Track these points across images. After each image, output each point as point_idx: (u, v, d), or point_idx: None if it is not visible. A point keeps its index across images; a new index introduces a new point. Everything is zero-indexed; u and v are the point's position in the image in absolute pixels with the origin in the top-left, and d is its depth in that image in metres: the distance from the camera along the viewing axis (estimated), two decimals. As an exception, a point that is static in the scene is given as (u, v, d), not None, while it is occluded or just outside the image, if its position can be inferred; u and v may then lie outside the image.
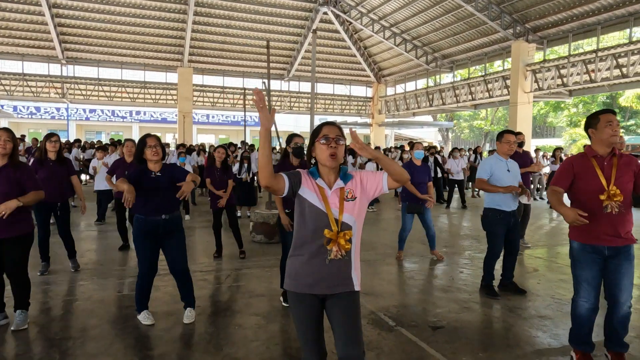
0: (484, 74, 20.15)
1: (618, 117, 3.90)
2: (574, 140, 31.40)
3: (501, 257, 5.02)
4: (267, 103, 2.28)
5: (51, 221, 5.58)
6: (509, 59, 18.13)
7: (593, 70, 15.17)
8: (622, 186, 3.05)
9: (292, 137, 4.46)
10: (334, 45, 24.04)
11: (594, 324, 3.25)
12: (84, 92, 22.39)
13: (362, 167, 12.55)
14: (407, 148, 14.26)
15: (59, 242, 5.73)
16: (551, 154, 14.20)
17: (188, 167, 11.04)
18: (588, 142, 3.36)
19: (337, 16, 21.94)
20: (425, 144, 12.94)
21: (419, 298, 4.82)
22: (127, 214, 7.13)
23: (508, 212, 4.75)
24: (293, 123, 30.52)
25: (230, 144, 14.67)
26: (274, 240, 7.41)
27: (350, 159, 12.49)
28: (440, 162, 13.78)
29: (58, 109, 28.06)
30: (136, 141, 4.61)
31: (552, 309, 4.49)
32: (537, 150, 14.56)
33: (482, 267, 5.03)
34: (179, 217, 4.04)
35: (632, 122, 32.69)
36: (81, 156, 14.23)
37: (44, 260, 5.47)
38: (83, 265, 5.80)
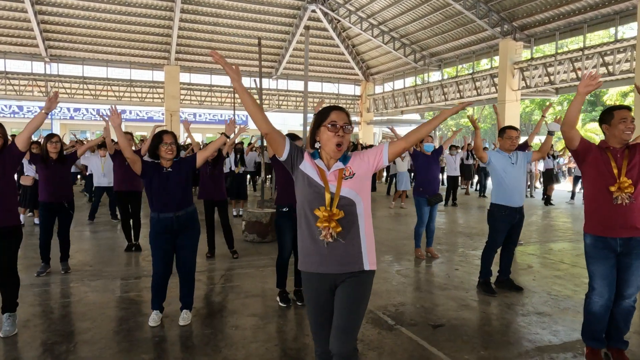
0: (472, 72, 20.26)
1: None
2: (558, 137, 31.76)
3: (498, 253, 5.03)
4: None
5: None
6: (497, 57, 18.24)
7: (579, 68, 15.32)
8: (633, 178, 3.05)
9: (293, 138, 4.39)
10: (323, 43, 23.95)
11: (607, 320, 3.24)
12: (68, 91, 21.97)
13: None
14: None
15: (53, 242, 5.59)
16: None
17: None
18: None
19: (325, 14, 21.86)
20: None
21: (416, 296, 4.80)
22: (121, 210, 6.89)
23: (514, 208, 4.73)
24: (281, 122, 30.39)
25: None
26: (266, 239, 7.34)
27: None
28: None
29: (41, 108, 27.52)
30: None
31: (550, 306, 4.49)
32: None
33: (477, 264, 5.03)
34: (194, 212, 3.95)
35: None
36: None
37: (44, 262, 5.37)
38: (72, 266, 5.66)
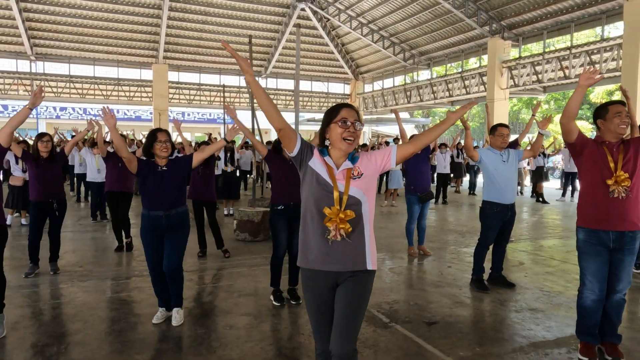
0: (460, 70, 20.36)
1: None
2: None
3: (490, 250, 5.06)
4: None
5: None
6: (485, 56, 18.36)
7: (567, 67, 15.49)
8: (628, 171, 3.08)
9: None
10: (312, 42, 23.92)
11: (600, 315, 3.27)
12: (54, 90, 21.69)
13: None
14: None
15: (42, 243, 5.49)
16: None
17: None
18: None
19: (314, 12, 21.82)
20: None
21: (410, 294, 4.80)
22: (111, 210, 6.82)
23: (505, 205, 4.76)
24: (271, 120, 30.31)
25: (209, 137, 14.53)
26: (258, 238, 7.30)
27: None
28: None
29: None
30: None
31: (542, 302, 4.52)
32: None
33: (469, 262, 5.06)
34: (185, 212, 3.93)
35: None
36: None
37: (33, 262, 5.29)
38: (62, 267, 5.57)
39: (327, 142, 2.25)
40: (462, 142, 16.20)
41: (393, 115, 27.37)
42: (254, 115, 8.90)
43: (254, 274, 5.47)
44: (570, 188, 13.56)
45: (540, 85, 16.93)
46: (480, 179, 6.15)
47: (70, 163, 11.33)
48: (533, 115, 6.82)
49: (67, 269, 5.56)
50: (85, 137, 9.48)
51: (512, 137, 7.65)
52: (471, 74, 19.48)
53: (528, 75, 16.79)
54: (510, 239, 7.33)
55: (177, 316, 3.91)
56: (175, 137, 8.28)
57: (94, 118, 5.84)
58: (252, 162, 13.53)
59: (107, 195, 6.71)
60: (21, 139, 9.84)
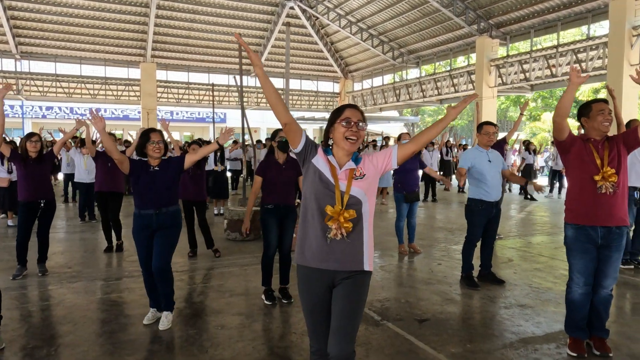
0: (449, 69, 20.48)
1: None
2: (534, 133, 32.38)
3: (478, 248, 5.11)
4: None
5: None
6: (474, 55, 18.49)
7: (554, 65, 15.65)
8: (614, 168, 3.13)
9: (277, 132, 4.37)
10: (301, 40, 23.90)
11: (587, 309, 3.33)
12: (40, 89, 21.43)
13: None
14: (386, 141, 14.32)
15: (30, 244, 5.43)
16: (524, 146, 14.62)
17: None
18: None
19: (303, 11, 21.80)
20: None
21: (401, 291, 4.82)
22: (101, 210, 6.75)
23: (490, 202, 4.81)
24: (260, 119, 30.21)
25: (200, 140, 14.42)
26: (249, 237, 7.28)
27: (368, 150, 12.45)
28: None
29: (12, 107, 26.72)
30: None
31: (532, 298, 4.58)
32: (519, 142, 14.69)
33: (458, 259, 5.10)
34: (176, 211, 3.90)
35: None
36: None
37: (21, 264, 5.22)
38: (50, 268, 5.51)
39: (330, 142, 2.26)
40: (451, 139, 16.32)
41: (382, 113, 27.50)
42: (243, 114, 8.87)
43: (244, 273, 5.46)
44: (557, 185, 13.74)
45: (527, 83, 17.09)
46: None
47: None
48: (521, 113, 6.90)
49: (56, 271, 5.51)
50: (76, 136, 9.38)
51: (501, 135, 7.73)
52: (459, 72, 19.61)
53: (516, 73, 16.95)
54: (499, 236, 7.45)
55: (165, 320, 3.85)
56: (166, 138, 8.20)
57: (81, 118, 5.79)
58: (243, 160, 13.49)
59: (97, 195, 6.64)
60: (8, 139, 9.71)
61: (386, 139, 14.52)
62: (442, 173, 15.98)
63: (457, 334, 3.71)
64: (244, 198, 8.82)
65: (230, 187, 13.29)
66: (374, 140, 15.64)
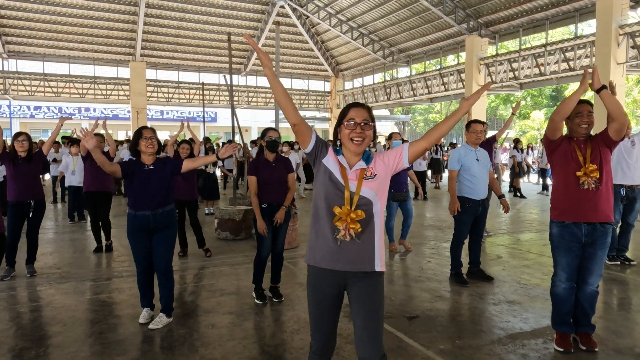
0: (439, 68, 20.58)
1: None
2: (523, 132, 32.66)
3: (467, 245, 5.15)
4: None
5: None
6: (463, 54, 18.59)
7: (542, 64, 15.79)
8: (597, 164, 3.18)
9: (266, 131, 4.36)
10: (292, 39, 23.87)
11: (572, 304, 3.38)
12: (28, 88, 21.19)
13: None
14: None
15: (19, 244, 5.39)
16: (512, 144, 14.78)
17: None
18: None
19: (294, 10, 21.77)
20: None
21: (391, 289, 4.85)
22: (90, 210, 6.71)
23: (477, 200, 4.87)
24: (251, 118, 30.17)
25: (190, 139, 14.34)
26: (240, 236, 7.28)
27: (380, 147, 12.41)
28: None
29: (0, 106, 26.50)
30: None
31: (520, 294, 4.63)
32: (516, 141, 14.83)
33: (448, 256, 5.15)
34: (172, 211, 3.92)
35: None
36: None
37: (9, 265, 5.18)
38: (39, 269, 5.47)
39: (338, 143, 2.25)
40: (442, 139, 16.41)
41: (374, 113, 27.65)
42: (233, 113, 8.86)
43: (235, 272, 5.46)
44: (542, 182, 14.05)
45: (516, 81, 17.22)
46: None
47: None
48: (513, 113, 6.96)
49: (45, 271, 5.47)
50: (66, 135, 9.30)
51: (491, 133, 7.78)
52: (449, 71, 19.70)
53: (505, 72, 17.07)
54: (489, 234, 7.52)
55: (158, 320, 3.85)
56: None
57: (70, 116, 5.75)
58: (234, 160, 13.46)
59: (86, 195, 6.60)
60: None
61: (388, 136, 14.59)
62: (432, 171, 16.09)
63: (446, 331, 3.75)
64: (235, 197, 8.81)
65: (222, 187, 13.29)
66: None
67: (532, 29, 16.56)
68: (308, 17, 22.30)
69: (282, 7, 21.19)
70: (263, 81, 25.30)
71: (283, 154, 10.59)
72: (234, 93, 24.51)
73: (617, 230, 5.81)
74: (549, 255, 5.98)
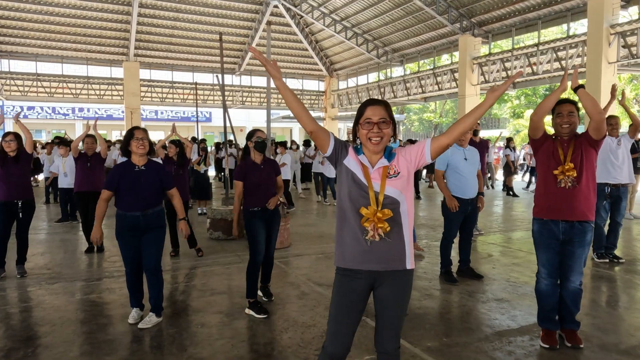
0: (433, 67, 20.64)
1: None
2: (517, 131, 32.77)
3: (457, 244, 5.19)
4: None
5: None
6: (457, 53, 18.65)
7: (535, 63, 15.87)
8: (576, 164, 3.22)
9: (253, 132, 4.28)
10: (286, 39, 23.87)
11: (555, 300, 3.42)
12: (21, 88, 21.09)
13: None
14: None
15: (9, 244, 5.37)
16: (505, 143, 14.87)
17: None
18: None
19: (287, 9, 21.77)
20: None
21: (381, 288, 4.88)
22: (81, 211, 6.70)
23: (465, 199, 4.90)
24: (245, 118, 30.11)
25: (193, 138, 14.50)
26: (232, 236, 7.27)
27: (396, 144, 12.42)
28: None
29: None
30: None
31: (508, 292, 4.66)
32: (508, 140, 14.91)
33: (439, 255, 5.17)
34: (161, 211, 3.93)
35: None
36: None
37: None
38: (29, 270, 5.46)
39: (358, 141, 2.22)
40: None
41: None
42: (225, 113, 8.86)
43: (227, 272, 5.47)
44: (531, 180, 14.23)
45: (509, 81, 17.29)
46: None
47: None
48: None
49: (35, 272, 5.46)
50: (59, 136, 9.28)
51: (485, 132, 7.76)
52: (443, 70, 19.77)
53: (498, 71, 17.14)
54: (481, 232, 7.55)
55: (147, 320, 3.85)
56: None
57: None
58: (226, 159, 13.46)
59: (77, 196, 6.59)
60: None
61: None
62: (426, 170, 16.14)
63: (434, 329, 3.77)
64: (227, 197, 8.81)
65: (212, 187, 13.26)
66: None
67: (525, 29, 16.64)
68: (302, 16, 22.31)
69: (275, 6, 21.18)
70: (257, 81, 25.29)
71: (278, 155, 10.66)
72: (228, 93, 24.49)
73: (606, 228, 5.87)
74: (538, 253, 6.05)
